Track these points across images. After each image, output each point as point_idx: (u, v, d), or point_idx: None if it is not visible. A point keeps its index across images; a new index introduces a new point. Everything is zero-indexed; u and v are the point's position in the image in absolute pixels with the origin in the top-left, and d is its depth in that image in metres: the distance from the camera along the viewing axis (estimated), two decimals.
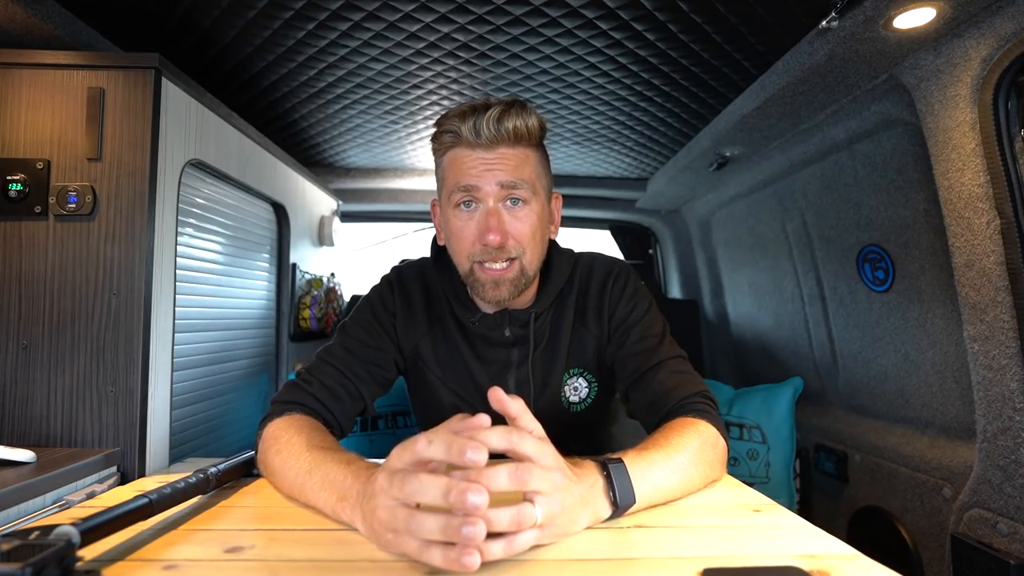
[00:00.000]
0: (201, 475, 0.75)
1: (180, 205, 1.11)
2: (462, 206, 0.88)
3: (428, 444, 0.54)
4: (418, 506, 0.54)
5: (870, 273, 1.53)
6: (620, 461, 0.67)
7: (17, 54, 0.99)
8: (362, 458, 0.70)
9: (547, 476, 0.57)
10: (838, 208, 1.59)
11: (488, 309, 0.97)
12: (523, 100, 0.89)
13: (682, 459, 0.74)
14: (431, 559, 0.52)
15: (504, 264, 0.88)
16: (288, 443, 0.76)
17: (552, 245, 1.01)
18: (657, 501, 0.71)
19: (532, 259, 0.91)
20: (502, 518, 0.53)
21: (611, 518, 0.66)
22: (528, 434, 0.58)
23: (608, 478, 0.65)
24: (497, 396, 0.60)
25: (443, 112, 1.54)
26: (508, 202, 0.87)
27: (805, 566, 0.54)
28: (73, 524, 0.51)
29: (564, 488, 0.59)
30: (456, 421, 0.57)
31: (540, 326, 0.99)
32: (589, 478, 0.65)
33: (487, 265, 0.88)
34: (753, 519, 0.69)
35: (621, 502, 0.65)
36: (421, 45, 1.22)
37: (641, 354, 0.95)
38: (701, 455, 0.77)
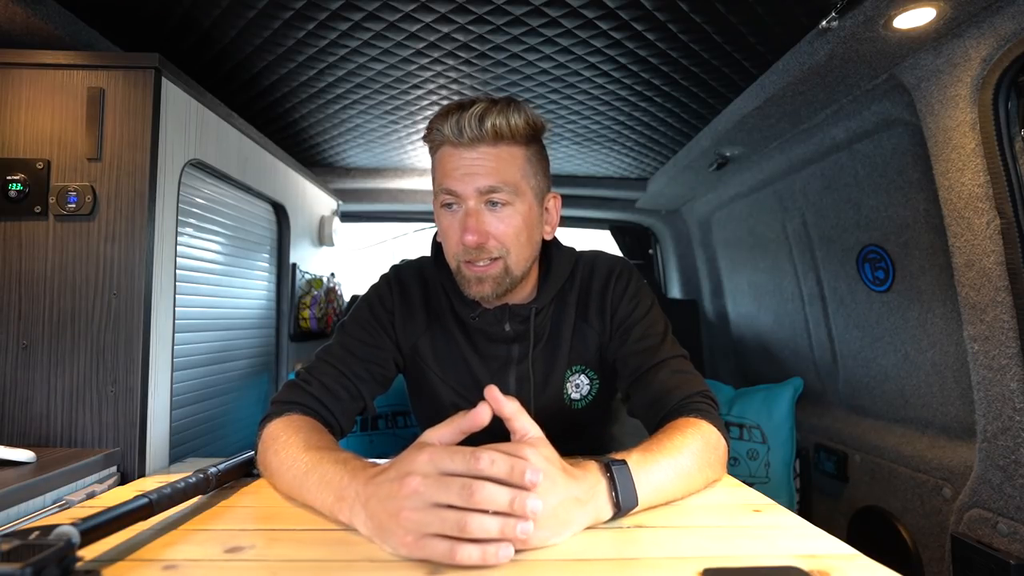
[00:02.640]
0: (201, 475, 0.75)
1: (180, 205, 1.11)
2: (447, 207, 0.89)
3: (491, 463, 0.56)
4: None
5: (870, 273, 1.53)
6: (623, 463, 0.67)
7: (17, 54, 0.99)
8: (358, 457, 0.70)
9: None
10: (838, 208, 1.59)
11: (488, 304, 0.97)
12: (517, 99, 0.88)
13: (684, 460, 0.74)
14: (464, 557, 0.53)
15: (486, 263, 0.89)
16: (286, 443, 0.76)
17: (553, 243, 1.01)
18: (658, 502, 0.71)
19: (518, 259, 0.90)
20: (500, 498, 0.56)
21: (612, 519, 0.66)
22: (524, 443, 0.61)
23: (611, 479, 0.65)
24: (493, 395, 0.62)
25: None
26: (489, 203, 0.87)
27: (805, 566, 0.54)
28: (73, 524, 0.51)
29: (557, 487, 0.60)
30: (461, 419, 0.61)
31: (541, 322, 0.99)
32: (590, 479, 0.65)
33: (471, 263, 0.89)
34: (753, 519, 0.69)
35: (624, 504, 0.65)
36: (421, 45, 1.22)
37: (642, 353, 0.95)
38: (703, 456, 0.77)
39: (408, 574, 0.54)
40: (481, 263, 0.88)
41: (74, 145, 0.98)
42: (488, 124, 0.84)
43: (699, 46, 1.21)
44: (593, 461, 0.68)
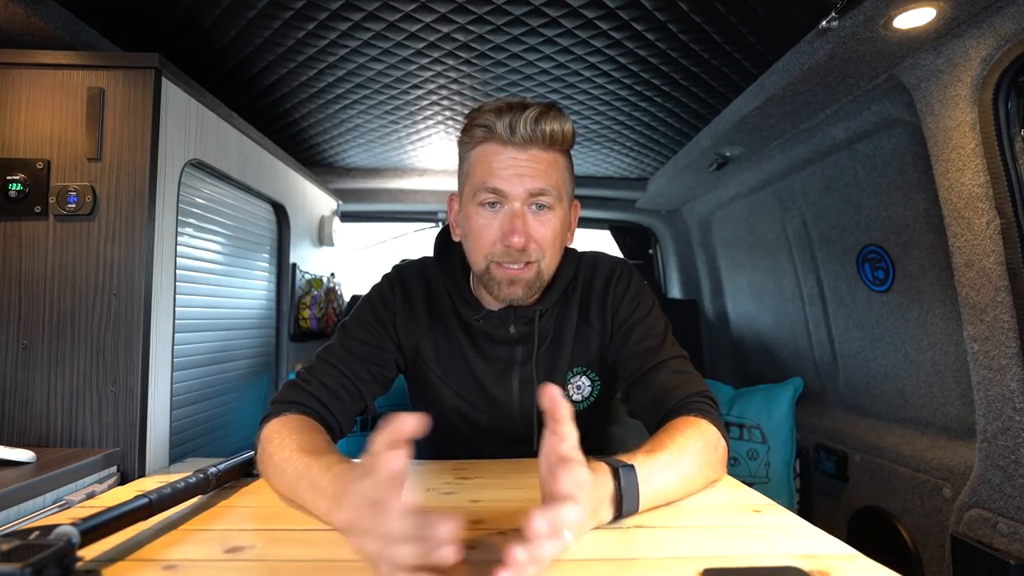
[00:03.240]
0: (201, 475, 0.75)
1: (180, 205, 1.11)
2: (487, 205, 0.88)
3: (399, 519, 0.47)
4: None
5: (870, 273, 1.53)
6: (631, 468, 0.66)
7: (17, 54, 0.99)
8: (345, 460, 0.68)
9: (576, 513, 0.53)
10: (838, 208, 1.59)
11: (494, 306, 0.97)
12: (558, 105, 0.89)
13: (686, 462, 0.74)
14: None
15: (521, 265, 0.89)
16: (280, 446, 0.75)
17: None
18: (658, 503, 0.71)
19: (549, 264, 0.92)
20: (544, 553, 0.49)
21: (611, 522, 0.66)
22: (558, 508, 0.52)
23: (618, 485, 0.65)
24: (550, 394, 0.56)
25: (443, 112, 1.53)
26: (534, 206, 0.88)
27: (805, 566, 0.54)
28: (73, 524, 0.51)
29: (587, 500, 0.57)
30: (390, 431, 0.48)
31: (544, 324, 0.99)
32: (602, 484, 0.64)
33: (505, 265, 0.89)
34: (753, 519, 0.69)
35: (625, 510, 0.65)
36: (421, 45, 1.22)
37: (643, 353, 0.95)
38: (703, 457, 0.77)
39: None
40: (516, 265, 0.89)
41: (74, 145, 0.98)
42: (545, 128, 0.84)
43: (699, 46, 1.21)
44: (603, 463, 0.67)
